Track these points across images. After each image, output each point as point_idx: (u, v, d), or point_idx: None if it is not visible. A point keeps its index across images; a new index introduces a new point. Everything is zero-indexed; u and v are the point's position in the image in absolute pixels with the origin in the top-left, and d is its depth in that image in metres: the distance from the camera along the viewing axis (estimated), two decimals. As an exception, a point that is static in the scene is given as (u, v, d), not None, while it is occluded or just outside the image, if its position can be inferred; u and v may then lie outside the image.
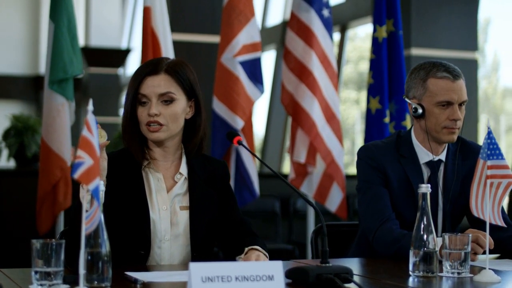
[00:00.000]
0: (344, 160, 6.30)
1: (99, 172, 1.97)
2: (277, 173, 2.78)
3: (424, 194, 2.58)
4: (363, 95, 15.18)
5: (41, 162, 5.49)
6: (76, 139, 5.54)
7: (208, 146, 5.77)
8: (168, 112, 2.88)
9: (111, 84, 15.21)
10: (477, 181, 2.55)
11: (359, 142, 14.68)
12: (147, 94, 2.87)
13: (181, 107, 2.91)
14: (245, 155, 5.89)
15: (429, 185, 2.58)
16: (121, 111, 16.33)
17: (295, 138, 6.12)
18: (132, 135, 2.92)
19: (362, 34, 14.22)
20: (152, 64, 2.93)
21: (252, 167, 5.94)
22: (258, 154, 5.59)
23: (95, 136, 1.98)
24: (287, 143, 12.78)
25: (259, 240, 2.94)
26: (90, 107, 2.01)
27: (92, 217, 2.01)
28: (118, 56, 15.44)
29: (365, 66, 15.24)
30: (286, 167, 12.76)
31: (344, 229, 3.67)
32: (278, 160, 12.61)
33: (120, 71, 15.82)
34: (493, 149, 2.51)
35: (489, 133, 2.52)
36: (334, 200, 6.09)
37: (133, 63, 18.86)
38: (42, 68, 17.74)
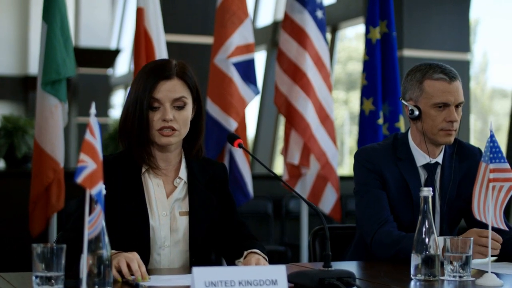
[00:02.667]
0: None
1: (102, 176, 1.95)
2: (282, 180, 2.78)
3: (426, 198, 2.57)
4: (352, 95, 15.20)
5: (33, 163, 5.46)
6: (66, 140, 5.44)
7: (202, 148, 5.74)
8: (181, 117, 2.85)
9: (101, 84, 15.18)
10: (479, 185, 2.54)
11: (348, 142, 14.69)
12: (160, 99, 2.83)
13: (190, 111, 2.90)
14: (239, 157, 5.88)
15: (430, 188, 2.58)
16: (111, 112, 16.33)
17: (289, 139, 6.12)
18: (140, 139, 2.86)
19: (350, 34, 14.23)
20: (163, 68, 2.88)
21: (246, 168, 5.92)
22: (244, 154, 5.63)
23: (98, 139, 1.96)
24: (278, 143, 12.78)
25: (258, 244, 2.92)
26: (93, 110, 1.99)
27: (95, 221, 2.00)
28: (108, 56, 15.41)
29: (353, 67, 15.24)
30: (277, 168, 12.77)
31: (338, 232, 3.65)
32: (269, 161, 12.62)
33: (109, 71, 15.79)
34: (495, 152, 2.50)
35: (492, 136, 2.52)
36: (328, 201, 6.08)
37: (122, 64, 18.83)
38: (31, 68, 17.71)
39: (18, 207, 6.71)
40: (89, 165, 1.92)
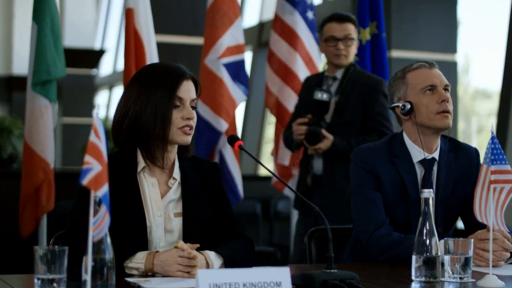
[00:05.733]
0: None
1: (108, 178, 1.94)
2: (287, 184, 2.77)
3: (427, 199, 2.57)
4: (336, 96, 15.21)
5: (23, 164, 5.43)
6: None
7: (192, 148, 5.73)
8: (195, 117, 2.90)
9: (85, 85, 15.13)
10: (480, 186, 2.54)
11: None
12: (184, 98, 2.85)
13: None
14: (229, 158, 5.87)
15: (431, 190, 2.58)
16: (95, 112, 16.29)
17: (279, 140, 6.11)
18: (159, 139, 2.86)
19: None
20: (182, 68, 2.90)
21: (236, 170, 5.92)
22: (235, 154, 5.68)
23: (103, 141, 1.95)
24: (264, 144, 12.76)
25: (233, 244, 2.89)
26: (97, 111, 1.98)
27: (100, 223, 1.98)
28: (92, 56, 15.37)
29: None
30: (264, 169, 12.71)
31: (332, 233, 3.63)
32: (255, 162, 12.58)
33: (94, 71, 15.75)
34: (496, 154, 2.50)
35: (493, 138, 2.52)
36: (319, 202, 6.08)
37: (107, 64, 18.75)
38: (16, 68, 17.60)
39: (5, 208, 6.67)
40: (94, 167, 1.91)
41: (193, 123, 2.88)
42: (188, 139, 2.87)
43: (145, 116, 2.83)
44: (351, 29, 5.01)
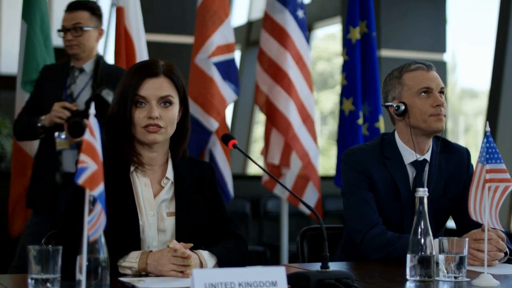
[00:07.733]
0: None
1: (103, 177, 1.93)
2: (283, 184, 2.76)
3: (421, 198, 2.57)
4: (322, 95, 15.23)
5: (13, 163, 5.42)
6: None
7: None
8: (168, 115, 2.84)
9: (73, 84, 15.05)
10: (475, 185, 2.54)
11: (319, 142, 14.69)
12: (146, 96, 2.82)
13: (177, 111, 2.89)
14: (219, 157, 5.86)
15: (426, 189, 2.58)
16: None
17: (269, 139, 6.11)
18: (125, 137, 2.85)
19: (320, 34, 14.24)
20: (149, 66, 2.87)
21: (227, 169, 5.90)
22: (225, 154, 5.68)
23: (98, 140, 1.93)
24: (252, 143, 12.76)
25: (227, 243, 2.89)
26: (92, 110, 1.96)
27: (95, 222, 1.96)
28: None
29: (323, 67, 15.27)
30: (252, 168, 12.73)
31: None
32: (243, 161, 12.57)
33: (82, 70, 15.68)
34: (491, 153, 2.50)
35: (488, 137, 2.52)
36: (309, 201, 6.08)
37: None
38: (3, 67, 17.52)
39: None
40: (90, 166, 1.90)
41: (161, 121, 2.83)
42: (153, 137, 2.83)
43: (114, 115, 2.86)
44: (83, 17, 4.87)
